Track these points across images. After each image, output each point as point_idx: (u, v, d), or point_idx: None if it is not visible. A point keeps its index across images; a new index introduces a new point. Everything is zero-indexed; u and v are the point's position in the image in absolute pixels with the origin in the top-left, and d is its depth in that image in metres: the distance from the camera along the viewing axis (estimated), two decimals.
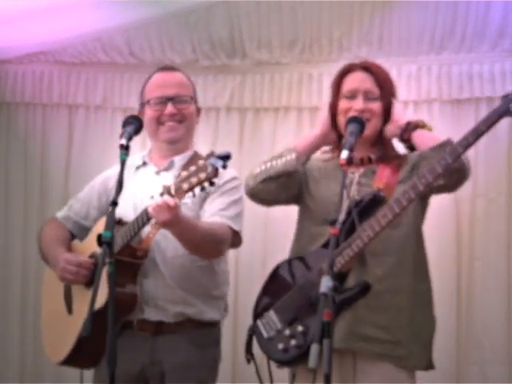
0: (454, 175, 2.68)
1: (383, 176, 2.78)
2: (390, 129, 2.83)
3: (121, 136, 2.71)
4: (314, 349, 2.18)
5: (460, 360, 4.10)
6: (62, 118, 4.65)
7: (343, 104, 2.83)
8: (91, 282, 2.90)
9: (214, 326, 3.02)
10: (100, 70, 4.56)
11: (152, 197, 2.91)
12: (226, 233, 2.90)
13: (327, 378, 2.23)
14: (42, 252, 3.14)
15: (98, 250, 2.91)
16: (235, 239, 2.97)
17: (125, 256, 2.82)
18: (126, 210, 2.90)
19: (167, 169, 3.03)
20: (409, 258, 2.75)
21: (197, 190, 2.57)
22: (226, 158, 2.52)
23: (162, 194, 2.65)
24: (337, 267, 2.60)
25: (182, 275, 2.92)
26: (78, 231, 3.16)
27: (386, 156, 2.86)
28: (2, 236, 4.61)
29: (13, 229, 4.58)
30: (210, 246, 2.88)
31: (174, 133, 3.02)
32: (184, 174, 2.58)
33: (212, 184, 2.55)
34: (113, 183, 3.08)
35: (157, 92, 3.01)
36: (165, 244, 2.90)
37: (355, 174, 2.81)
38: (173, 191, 2.62)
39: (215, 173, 2.52)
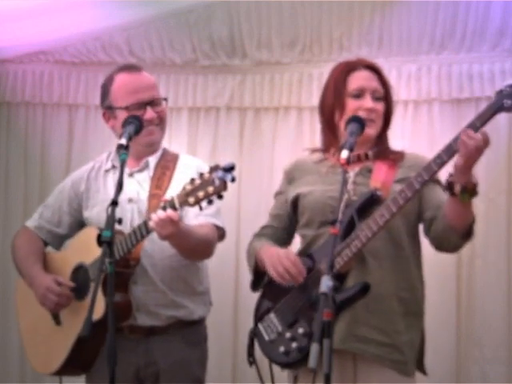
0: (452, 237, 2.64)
1: (380, 175, 2.74)
2: (463, 169, 2.52)
3: (121, 136, 2.72)
4: (314, 349, 2.17)
5: (460, 359, 4.10)
6: (62, 117, 4.65)
7: (351, 104, 2.76)
8: (79, 295, 2.92)
9: (201, 323, 3.04)
10: (100, 70, 4.54)
11: (130, 200, 2.93)
12: (214, 234, 2.93)
13: (327, 378, 2.22)
14: (17, 267, 3.13)
15: (84, 260, 2.93)
16: (219, 233, 2.98)
17: (119, 267, 2.79)
18: (103, 214, 2.87)
19: (141, 170, 3.03)
20: (409, 262, 2.72)
21: (203, 203, 2.56)
22: (231, 169, 2.51)
23: (164, 208, 2.63)
24: (335, 268, 2.59)
25: (171, 277, 2.94)
26: (52, 240, 3.15)
27: (383, 152, 2.81)
28: (2, 236, 4.61)
29: (13, 229, 4.56)
30: (204, 249, 2.92)
31: (154, 136, 2.98)
32: (188, 187, 2.57)
33: (220, 197, 2.53)
34: (84, 187, 3.08)
35: (132, 98, 2.95)
36: (151, 248, 2.90)
37: (350, 173, 2.75)
38: (177, 205, 2.61)
39: (224, 186, 2.50)
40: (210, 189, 2.52)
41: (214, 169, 2.53)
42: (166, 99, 3.03)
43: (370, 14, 4.21)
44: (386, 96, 2.80)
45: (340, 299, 2.55)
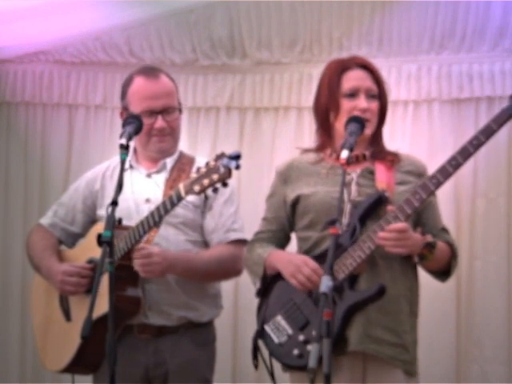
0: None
1: (383, 176, 2.74)
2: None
3: (121, 136, 2.72)
4: (314, 349, 2.17)
5: (460, 359, 4.10)
6: (61, 117, 4.64)
7: (346, 104, 2.75)
8: (91, 288, 2.91)
9: (211, 324, 3.06)
10: (100, 70, 4.56)
11: (148, 200, 2.96)
12: (240, 250, 2.95)
13: (327, 378, 2.22)
14: (33, 262, 3.13)
15: (96, 256, 2.92)
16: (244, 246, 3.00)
17: (127, 260, 2.82)
18: (120, 213, 2.88)
19: (159, 171, 3.05)
20: (408, 262, 2.71)
21: (209, 191, 2.57)
22: (237, 157, 2.52)
23: (171, 197, 2.66)
24: (348, 270, 2.60)
25: (185, 278, 2.94)
26: (66, 237, 3.17)
27: (380, 153, 2.81)
28: (2, 236, 4.61)
29: (12, 229, 4.58)
30: (222, 270, 2.97)
31: (164, 144, 3.03)
32: (194, 175, 2.58)
33: (225, 185, 2.54)
34: (99, 185, 3.10)
35: (144, 104, 2.97)
36: (166, 246, 2.91)
37: (352, 174, 2.75)
38: (183, 194, 2.62)
39: (228, 173, 2.52)
40: (215, 176, 2.53)
41: (219, 156, 2.54)
42: (180, 108, 3.04)
43: (370, 13, 4.21)
44: (380, 94, 2.80)
45: (355, 301, 2.57)
